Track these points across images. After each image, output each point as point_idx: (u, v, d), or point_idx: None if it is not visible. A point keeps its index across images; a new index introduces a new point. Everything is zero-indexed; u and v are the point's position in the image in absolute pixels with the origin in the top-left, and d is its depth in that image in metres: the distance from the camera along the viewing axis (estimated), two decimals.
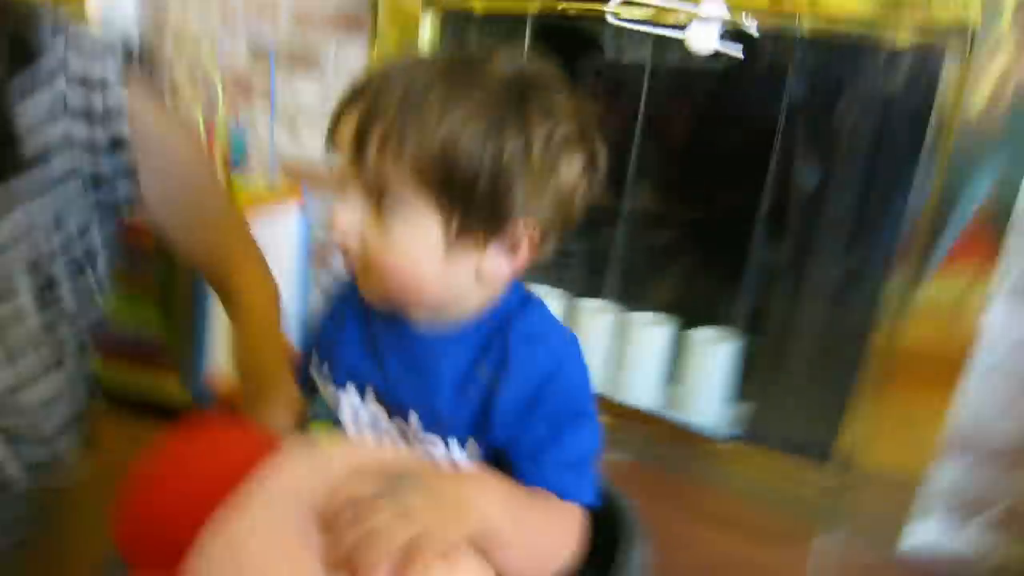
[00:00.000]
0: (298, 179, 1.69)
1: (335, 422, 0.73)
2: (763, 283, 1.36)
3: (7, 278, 0.80)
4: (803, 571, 1.17)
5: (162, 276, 1.35)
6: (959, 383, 1.17)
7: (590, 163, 0.64)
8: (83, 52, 0.81)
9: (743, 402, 1.43)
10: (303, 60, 1.66)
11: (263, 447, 0.58)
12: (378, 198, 0.61)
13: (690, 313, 1.46)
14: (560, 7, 1.38)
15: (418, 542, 0.49)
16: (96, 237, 0.92)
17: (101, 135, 0.82)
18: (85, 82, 0.80)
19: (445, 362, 0.68)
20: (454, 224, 0.61)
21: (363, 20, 1.58)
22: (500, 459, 0.66)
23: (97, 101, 0.81)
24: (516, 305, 0.70)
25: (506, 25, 1.50)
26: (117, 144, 0.83)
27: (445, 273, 0.63)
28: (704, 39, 1.28)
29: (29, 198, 0.81)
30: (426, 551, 0.48)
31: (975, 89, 1.10)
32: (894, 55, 1.21)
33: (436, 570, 0.48)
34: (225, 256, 0.96)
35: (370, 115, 0.59)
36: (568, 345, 0.69)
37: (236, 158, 1.42)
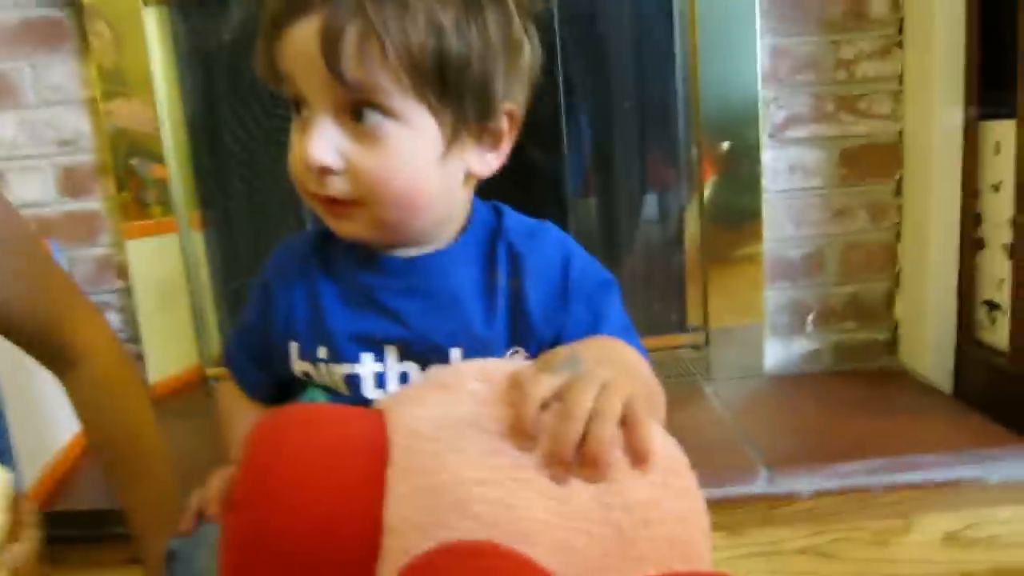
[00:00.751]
0: None
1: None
2: (584, 222, 1.44)
3: None
4: (700, 416, 1.26)
5: None
6: (762, 222, 1.36)
7: (532, 40, 0.64)
8: None
9: None
10: None
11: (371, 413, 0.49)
12: (358, 108, 0.55)
13: None
14: None
15: (631, 411, 0.45)
16: None
17: None
18: None
19: (459, 281, 0.64)
20: (449, 119, 0.57)
21: (63, 29, 1.34)
22: None
23: None
24: (488, 211, 0.68)
25: (242, 9, 1.38)
26: None
27: (443, 177, 0.59)
28: None
29: None
30: (640, 417, 0.45)
31: None
32: None
33: (652, 431, 0.45)
34: (57, 314, 0.78)
35: (338, 16, 0.52)
36: (558, 229, 0.69)
37: None
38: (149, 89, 1.34)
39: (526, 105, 0.64)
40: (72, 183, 1.39)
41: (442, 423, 0.44)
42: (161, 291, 1.41)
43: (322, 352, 0.64)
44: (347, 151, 0.56)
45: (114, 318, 1.43)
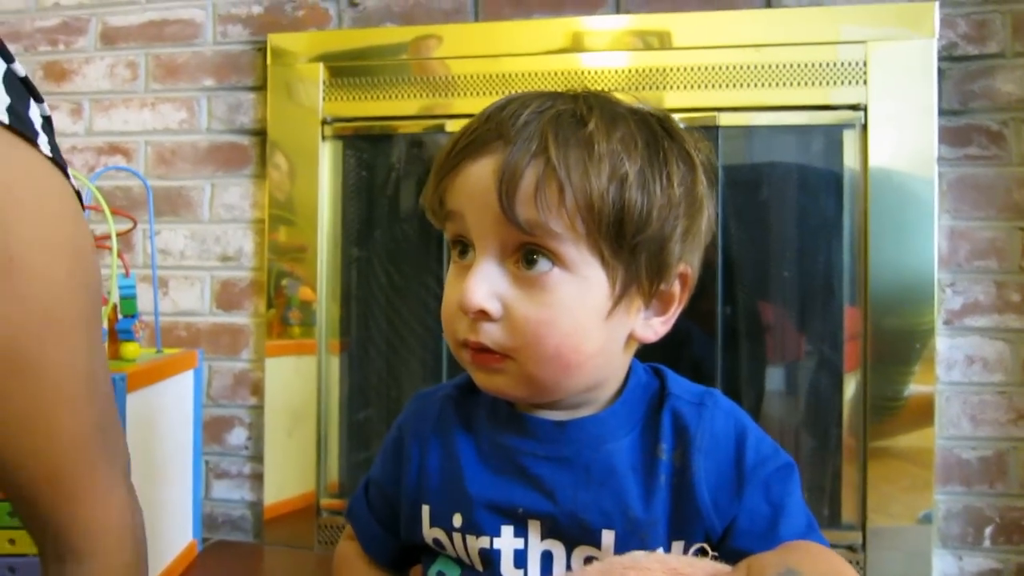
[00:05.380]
0: (178, 341, 1.45)
1: None
2: (733, 383, 1.35)
3: None
4: None
5: None
6: (934, 416, 1.23)
7: (711, 203, 0.59)
8: None
9: None
10: (170, 204, 1.46)
11: None
12: (526, 252, 0.51)
13: None
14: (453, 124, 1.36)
15: None
16: None
17: None
18: None
19: (615, 452, 0.57)
20: (620, 274, 0.52)
21: (246, 155, 1.43)
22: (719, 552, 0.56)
23: None
24: (648, 374, 0.62)
25: (408, 149, 1.43)
26: None
27: (604, 337, 0.54)
28: None
29: None
30: None
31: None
32: (802, 134, 1.32)
33: None
34: (66, 479, 0.55)
35: (519, 155, 0.50)
36: (728, 399, 0.62)
37: (126, 321, 1.17)
38: (313, 216, 1.39)
39: (699, 270, 0.59)
40: (226, 297, 1.44)
41: None
42: (290, 412, 1.40)
43: (457, 520, 0.58)
44: (507, 297, 0.52)
45: (241, 434, 1.43)
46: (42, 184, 0.52)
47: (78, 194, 0.56)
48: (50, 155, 0.53)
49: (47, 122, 0.55)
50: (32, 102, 0.54)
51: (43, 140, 0.53)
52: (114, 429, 0.59)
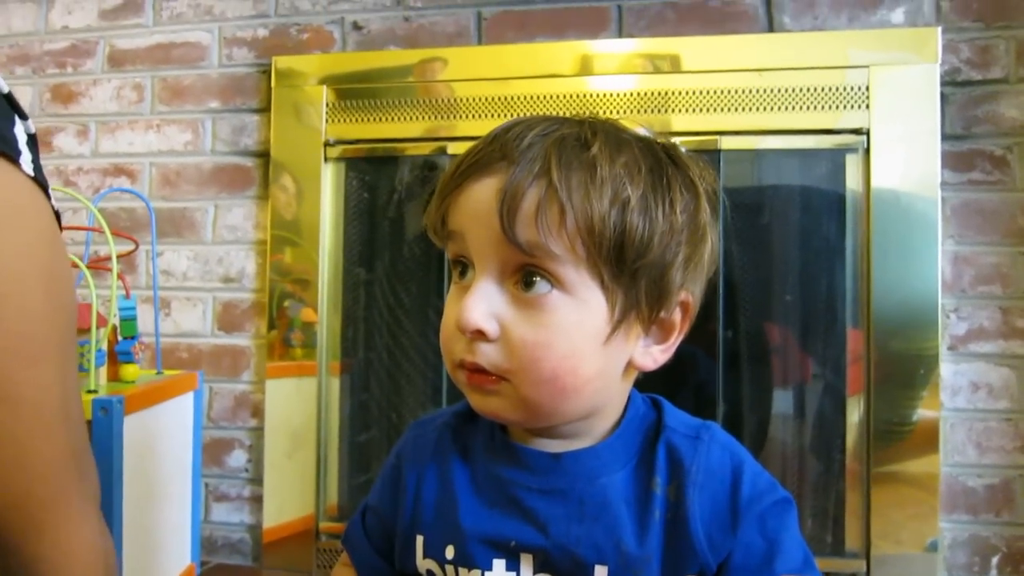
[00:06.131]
0: (179, 363, 1.45)
1: None
2: (734, 407, 1.34)
3: None
4: None
5: None
6: (939, 443, 1.22)
7: (714, 233, 0.59)
8: None
9: None
10: (174, 225, 1.46)
11: None
12: (525, 273, 0.51)
13: None
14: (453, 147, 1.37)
15: None
16: None
17: None
18: None
19: (610, 486, 0.56)
20: (619, 299, 0.52)
21: (249, 177, 1.44)
22: None
23: None
24: (646, 405, 0.61)
25: (411, 172, 1.44)
26: None
27: (602, 362, 0.53)
28: None
29: None
30: None
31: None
32: (805, 158, 1.32)
33: None
34: (33, 503, 0.52)
35: (521, 176, 0.50)
36: (725, 432, 0.61)
37: (126, 342, 1.17)
38: (316, 238, 1.40)
39: (700, 300, 0.58)
40: (228, 318, 1.44)
41: None
42: (290, 434, 1.39)
43: (450, 552, 0.57)
44: (505, 318, 0.51)
45: (241, 456, 1.43)
46: (21, 206, 0.51)
47: (57, 215, 0.56)
48: (32, 174, 0.53)
49: (32, 140, 0.55)
50: (17, 119, 0.54)
51: (25, 159, 0.53)
52: (87, 456, 0.57)
